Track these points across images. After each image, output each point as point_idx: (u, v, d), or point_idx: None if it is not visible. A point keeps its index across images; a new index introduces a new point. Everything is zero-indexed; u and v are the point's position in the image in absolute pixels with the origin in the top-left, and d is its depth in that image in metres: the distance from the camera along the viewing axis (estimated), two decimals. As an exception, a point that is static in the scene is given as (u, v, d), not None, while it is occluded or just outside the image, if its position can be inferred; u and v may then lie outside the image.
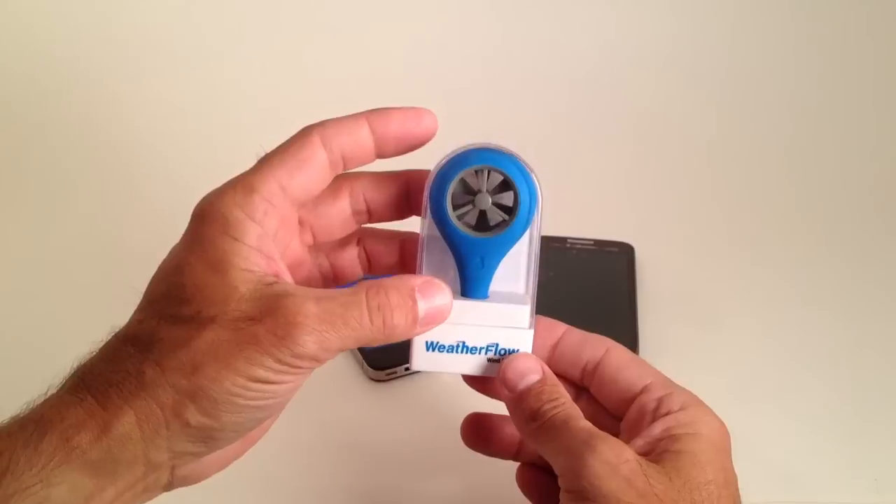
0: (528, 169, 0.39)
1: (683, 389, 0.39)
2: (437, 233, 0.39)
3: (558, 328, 0.42)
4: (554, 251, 0.69)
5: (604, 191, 0.81)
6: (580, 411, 0.38)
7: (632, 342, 0.59)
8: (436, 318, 0.38)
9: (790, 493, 0.49)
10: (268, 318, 0.33)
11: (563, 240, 0.70)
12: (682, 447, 0.36)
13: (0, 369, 0.57)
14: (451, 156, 0.40)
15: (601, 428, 0.38)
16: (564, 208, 0.79)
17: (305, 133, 0.38)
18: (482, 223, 0.39)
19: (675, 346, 0.60)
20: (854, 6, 0.98)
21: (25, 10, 0.91)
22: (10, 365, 0.58)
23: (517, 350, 0.40)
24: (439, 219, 0.39)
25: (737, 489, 0.37)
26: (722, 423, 0.38)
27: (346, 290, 0.36)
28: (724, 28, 1.00)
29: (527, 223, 0.39)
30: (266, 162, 0.38)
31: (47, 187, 0.79)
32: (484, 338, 0.40)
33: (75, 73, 0.90)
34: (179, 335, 0.33)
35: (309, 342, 0.33)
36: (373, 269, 0.43)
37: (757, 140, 0.89)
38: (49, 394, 0.34)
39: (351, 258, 0.43)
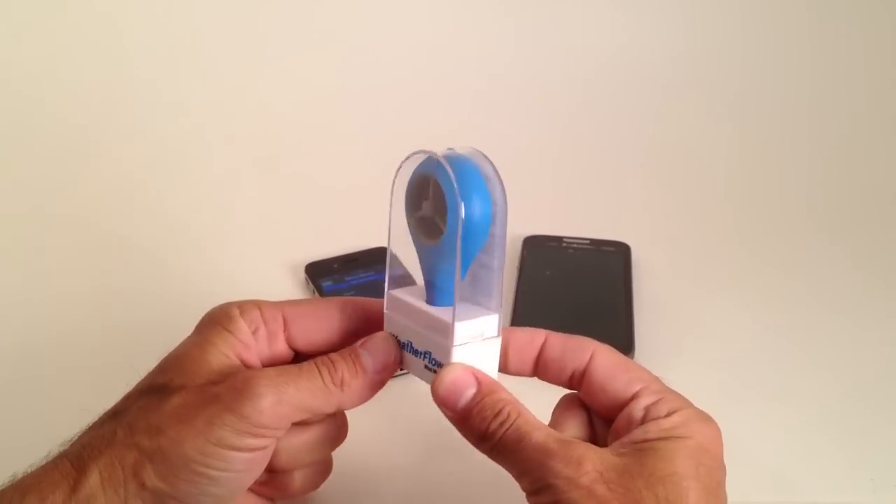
0: (482, 181, 0.37)
1: (674, 394, 0.38)
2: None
3: (538, 337, 0.40)
4: (550, 250, 0.69)
5: (600, 190, 0.81)
6: (531, 419, 0.36)
7: (628, 341, 0.59)
8: (386, 364, 0.39)
9: (786, 494, 0.49)
10: (229, 378, 0.36)
11: (559, 239, 0.70)
12: (654, 445, 0.35)
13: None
14: (422, 160, 0.39)
15: (595, 434, 0.38)
16: (561, 208, 0.79)
17: (331, 298, 0.43)
18: (430, 230, 0.39)
19: (671, 346, 0.60)
20: (848, 11, 0.98)
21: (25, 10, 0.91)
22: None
23: (442, 363, 0.38)
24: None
25: (717, 497, 0.35)
26: (712, 429, 0.37)
27: (310, 362, 0.39)
28: (722, 31, 1.00)
29: (457, 234, 0.36)
30: (287, 300, 0.41)
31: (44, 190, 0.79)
32: (423, 344, 0.39)
33: (74, 75, 0.90)
34: (151, 402, 0.36)
35: (266, 393, 0.35)
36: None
37: (753, 141, 0.89)
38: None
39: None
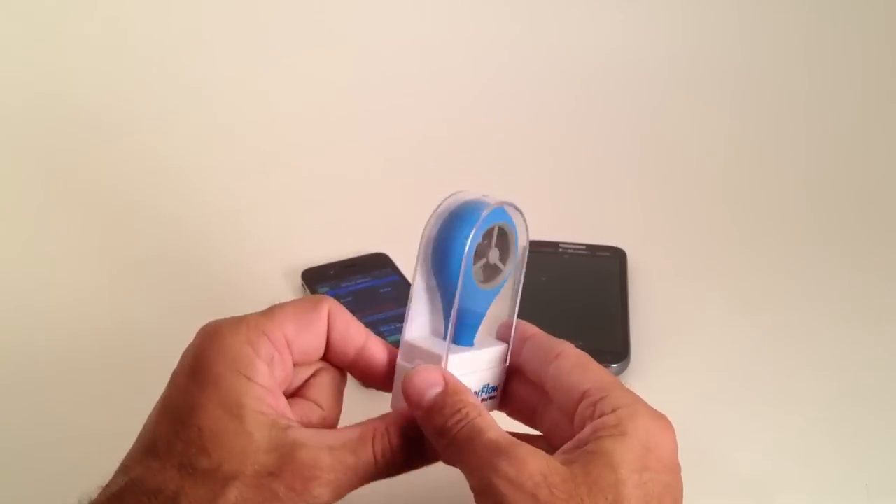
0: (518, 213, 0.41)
1: (623, 390, 0.38)
2: (429, 284, 0.41)
3: (529, 329, 0.43)
4: (546, 256, 0.69)
5: (596, 196, 0.81)
6: (489, 420, 0.37)
7: (623, 347, 0.59)
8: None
9: (780, 498, 0.49)
10: (286, 472, 0.35)
11: (555, 245, 0.70)
12: (598, 448, 0.35)
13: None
14: (455, 210, 0.40)
15: (562, 434, 0.38)
16: (557, 213, 0.79)
17: (317, 301, 0.41)
18: (490, 275, 0.41)
19: (667, 352, 0.60)
20: (846, 11, 0.98)
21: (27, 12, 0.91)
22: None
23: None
24: (451, 273, 0.39)
25: (671, 490, 0.36)
26: (661, 426, 0.37)
27: (354, 435, 0.38)
28: (718, 34, 1.00)
29: (521, 272, 0.42)
30: (277, 311, 0.40)
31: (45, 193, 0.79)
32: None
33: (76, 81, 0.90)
34: (203, 494, 0.34)
35: (324, 493, 0.36)
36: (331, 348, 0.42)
37: (750, 146, 0.89)
38: None
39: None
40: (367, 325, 0.60)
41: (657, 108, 0.94)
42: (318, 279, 0.66)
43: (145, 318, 0.63)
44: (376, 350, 0.42)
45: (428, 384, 0.38)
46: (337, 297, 0.63)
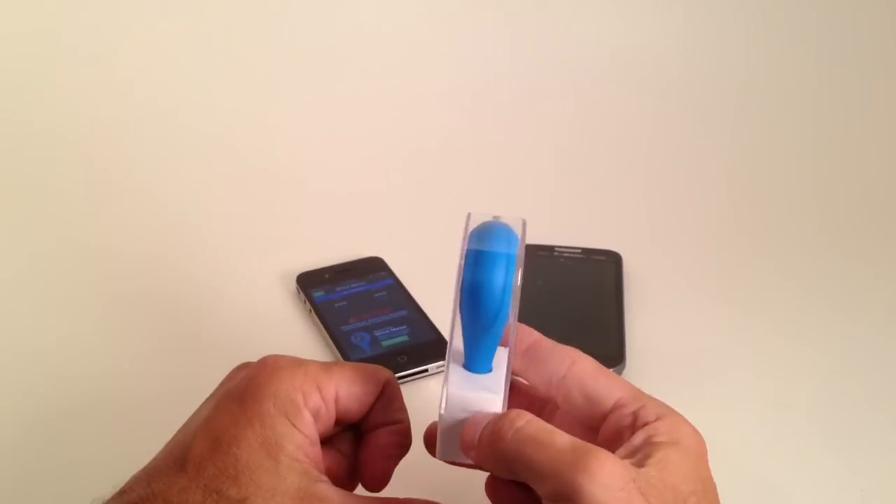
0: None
1: (655, 400, 0.39)
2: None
3: (529, 334, 0.42)
4: (541, 260, 0.69)
5: (591, 199, 0.81)
6: (550, 425, 0.36)
7: (619, 351, 0.59)
8: None
9: (775, 503, 0.49)
10: None
11: (550, 248, 0.70)
12: (665, 456, 0.35)
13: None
14: (496, 240, 0.38)
15: None
16: (552, 216, 0.79)
17: (377, 372, 0.41)
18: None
19: (662, 355, 0.60)
20: (843, 12, 0.99)
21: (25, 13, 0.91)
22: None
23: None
24: (498, 309, 0.37)
25: (717, 498, 0.36)
26: (697, 432, 0.37)
27: None
28: (714, 38, 1.00)
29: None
30: (337, 369, 0.40)
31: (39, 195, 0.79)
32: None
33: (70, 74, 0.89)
34: None
35: None
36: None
37: (746, 151, 0.89)
38: None
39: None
40: (362, 329, 0.62)
41: (653, 111, 0.94)
42: (312, 283, 0.66)
43: (137, 323, 0.63)
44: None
45: (479, 425, 0.38)
46: (331, 301, 0.64)
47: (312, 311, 0.63)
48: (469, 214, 0.39)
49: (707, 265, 0.72)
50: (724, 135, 0.91)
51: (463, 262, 0.37)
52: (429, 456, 0.41)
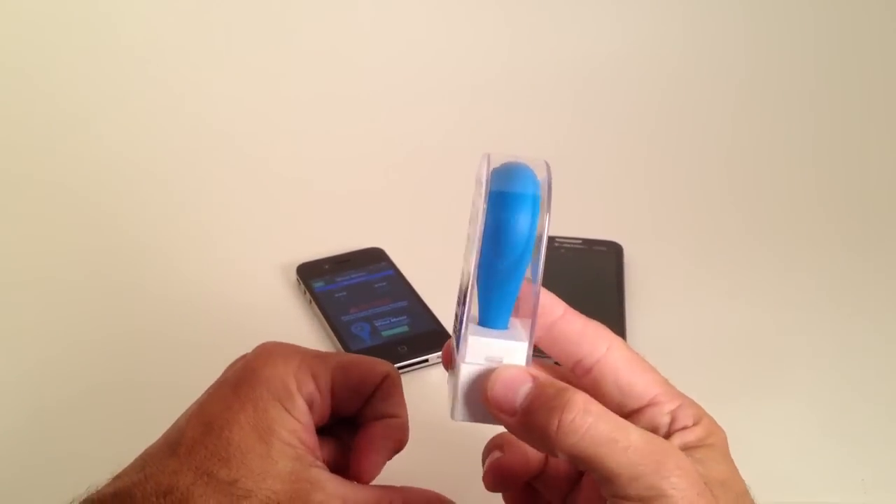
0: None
1: (688, 398, 0.38)
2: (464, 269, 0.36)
3: (557, 305, 0.38)
4: (542, 250, 0.69)
5: (592, 190, 0.81)
6: (614, 414, 0.33)
7: (620, 342, 0.59)
8: None
9: (776, 494, 0.49)
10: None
11: (551, 239, 0.70)
12: (712, 458, 0.35)
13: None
14: (521, 181, 0.37)
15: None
16: (553, 207, 0.79)
17: (381, 364, 0.41)
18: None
19: (663, 345, 0.60)
20: (843, 12, 0.98)
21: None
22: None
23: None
24: (523, 251, 0.35)
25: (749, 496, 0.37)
26: (723, 431, 0.37)
27: (372, 497, 0.37)
28: (718, 29, 1.00)
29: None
30: (333, 359, 0.40)
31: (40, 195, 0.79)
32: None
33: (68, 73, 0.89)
34: (214, 502, 0.34)
35: None
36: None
37: (747, 141, 0.89)
38: None
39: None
40: (363, 319, 0.62)
41: (654, 102, 0.94)
42: (313, 274, 0.65)
43: (138, 314, 0.63)
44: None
45: (514, 384, 0.34)
46: (332, 292, 0.64)
47: (313, 302, 0.63)
48: (488, 155, 0.36)
49: (708, 255, 0.72)
50: (724, 126, 0.91)
51: (485, 205, 0.35)
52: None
